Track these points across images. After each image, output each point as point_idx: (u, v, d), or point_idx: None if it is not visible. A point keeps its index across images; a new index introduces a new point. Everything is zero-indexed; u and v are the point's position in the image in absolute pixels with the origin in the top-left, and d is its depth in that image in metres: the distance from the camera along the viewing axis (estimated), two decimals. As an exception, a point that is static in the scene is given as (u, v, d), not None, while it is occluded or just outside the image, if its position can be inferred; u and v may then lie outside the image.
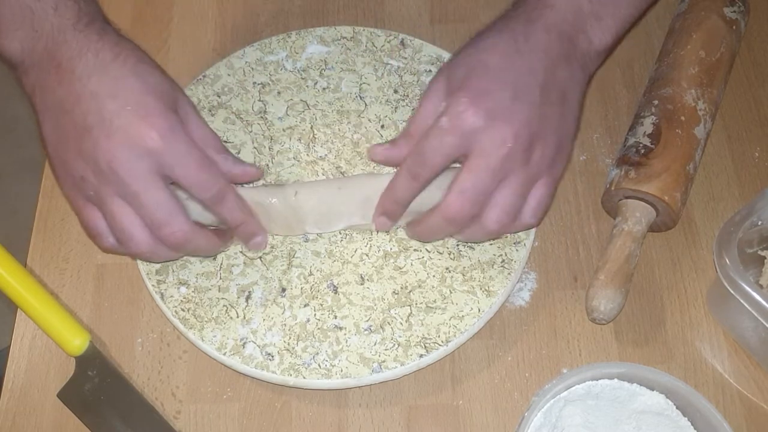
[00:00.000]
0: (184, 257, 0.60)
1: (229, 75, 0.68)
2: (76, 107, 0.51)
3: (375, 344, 0.57)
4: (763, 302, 0.53)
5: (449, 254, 0.60)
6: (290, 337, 0.58)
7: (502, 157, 0.52)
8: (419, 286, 0.59)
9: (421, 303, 0.58)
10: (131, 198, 0.51)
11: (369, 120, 0.66)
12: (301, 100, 0.67)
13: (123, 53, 0.52)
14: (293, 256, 0.60)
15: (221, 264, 0.60)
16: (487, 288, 0.59)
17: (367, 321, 0.58)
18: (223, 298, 0.59)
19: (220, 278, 0.60)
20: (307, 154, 0.64)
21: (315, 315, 0.58)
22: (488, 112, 0.52)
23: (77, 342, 0.58)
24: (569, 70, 0.55)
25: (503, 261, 0.60)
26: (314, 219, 0.59)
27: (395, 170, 0.58)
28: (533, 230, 0.61)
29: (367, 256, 0.60)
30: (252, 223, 0.58)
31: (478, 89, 0.52)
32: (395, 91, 0.67)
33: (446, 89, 0.54)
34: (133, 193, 0.51)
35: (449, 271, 0.60)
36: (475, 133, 0.52)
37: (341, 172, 0.63)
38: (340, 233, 0.61)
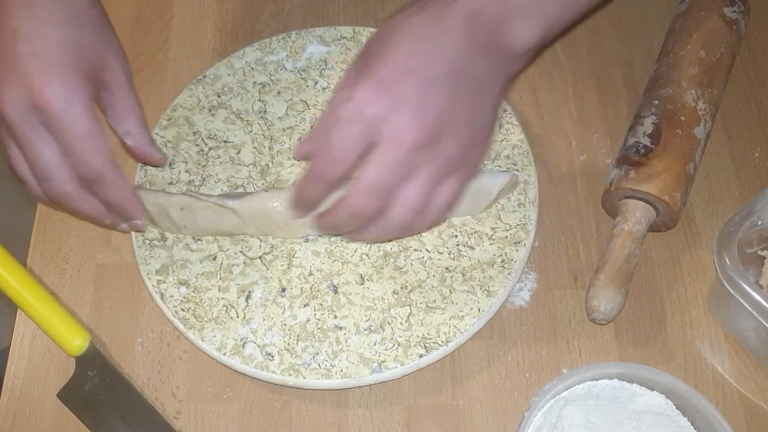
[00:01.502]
0: (184, 258, 0.60)
1: (229, 75, 0.68)
2: None
3: (375, 344, 0.57)
4: (763, 302, 0.53)
5: (449, 254, 0.60)
6: (290, 337, 0.58)
7: (407, 150, 0.48)
8: (419, 286, 0.59)
9: (421, 303, 0.58)
10: (20, 145, 0.52)
11: (369, 120, 0.66)
12: (301, 100, 0.67)
13: None
14: (293, 256, 0.60)
15: (221, 264, 0.60)
16: (487, 288, 0.59)
17: (367, 321, 0.58)
18: (223, 298, 0.59)
19: (220, 278, 0.60)
20: (307, 154, 0.64)
21: (315, 315, 0.58)
22: (393, 101, 0.48)
23: (77, 342, 0.58)
24: (488, 62, 0.50)
25: (503, 261, 0.60)
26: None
27: None
28: (533, 230, 0.61)
29: (367, 256, 0.60)
30: (129, 208, 0.56)
31: (383, 76, 0.48)
32: (395, 91, 0.67)
33: (355, 75, 0.50)
34: (20, 141, 0.52)
35: (449, 271, 0.60)
36: (379, 123, 0.48)
37: (341, 172, 0.63)
38: (340, 233, 0.61)
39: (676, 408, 0.54)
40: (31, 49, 0.51)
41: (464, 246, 0.60)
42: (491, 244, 0.60)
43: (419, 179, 0.50)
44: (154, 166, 0.62)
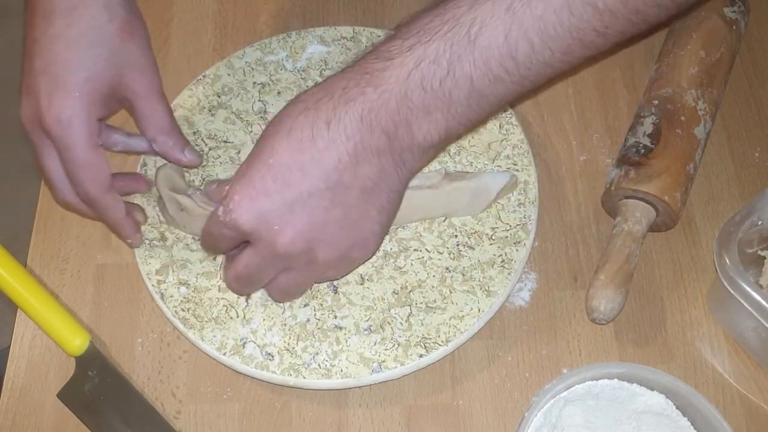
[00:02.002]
0: (184, 258, 0.60)
1: (229, 75, 0.68)
2: (25, 43, 0.54)
3: (375, 344, 0.57)
4: (763, 302, 0.53)
5: (449, 254, 0.60)
6: (290, 337, 0.58)
7: (274, 257, 0.51)
8: (419, 286, 0.59)
9: (421, 303, 0.58)
10: (35, 152, 0.55)
11: (369, 120, 0.66)
12: (301, 100, 0.67)
13: (78, 11, 0.52)
14: (293, 256, 0.60)
15: (221, 264, 0.60)
16: (487, 288, 0.59)
17: (367, 321, 0.58)
18: (223, 298, 0.59)
19: (220, 278, 0.60)
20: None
21: (315, 315, 0.58)
22: (260, 215, 0.49)
23: (77, 342, 0.58)
24: (378, 165, 0.49)
25: (503, 261, 0.60)
26: None
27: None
28: (533, 230, 0.61)
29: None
30: (121, 231, 0.59)
31: (254, 186, 0.49)
32: (395, 91, 0.67)
33: (241, 171, 0.50)
34: (34, 150, 0.55)
35: (449, 271, 0.60)
36: (247, 234, 0.50)
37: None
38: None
39: (676, 408, 0.54)
40: (43, 65, 0.52)
41: (464, 246, 0.60)
42: (491, 244, 0.60)
43: (291, 275, 0.53)
44: (188, 167, 0.62)
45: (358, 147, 0.48)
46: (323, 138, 0.48)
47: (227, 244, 0.53)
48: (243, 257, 0.52)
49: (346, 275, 0.58)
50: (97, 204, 0.56)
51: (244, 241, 0.52)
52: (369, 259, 0.56)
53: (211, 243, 0.54)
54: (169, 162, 0.61)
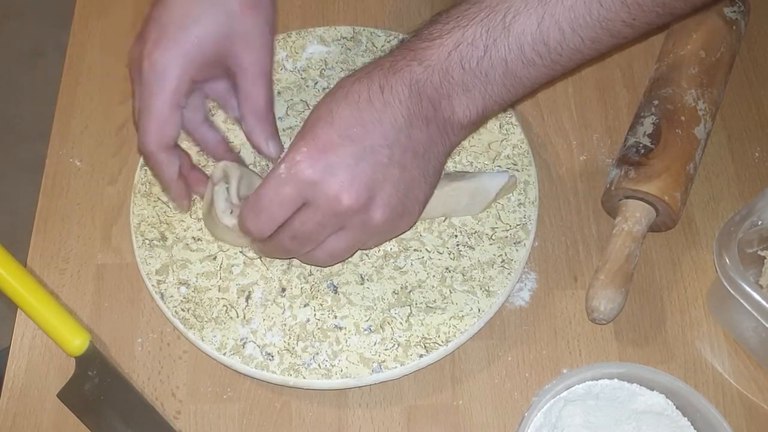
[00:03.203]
0: (184, 258, 0.60)
1: (229, 75, 0.68)
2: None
3: (375, 344, 0.57)
4: (763, 302, 0.53)
5: (449, 254, 0.60)
6: (290, 337, 0.58)
7: (334, 214, 0.51)
8: (419, 286, 0.59)
9: (421, 303, 0.58)
10: (132, 93, 0.57)
11: (369, 120, 0.66)
12: (301, 100, 0.67)
13: None
14: (293, 256, 0.60)
15: (221, 264, 0.60)
16: (487, 288, 0.59)
17: (367, 321, 0.58)
18: (223, 298, 0.59)
19: (220, 278, 0.60)
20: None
21: (315, 315, 0.58)
22: (327, 167, 0.50)
23: (77, 342, 0.58)
24: (427, 132, 0.52)
25: (503, 261, 0.60)
26: None
27: None
28: (533, 230, 0.61)
29: (367, 256, 0.60)
30: (171, 189, 0.59)
31: (320, 140, 0.50)
32: (395, 91, 0.67)
33: (299, 136, 0.52)
34: (132, 89, 0.56)
35: (449, 271, 0.60)
36: (312, 186, 0.50)
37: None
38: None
39: (676, 408, 0.54)
40: (160, 14, 0.55)
41: (464, 246, 0.60)
42: (491, 244, 0.60)
43: (341, 237, 0.53)
44: (268, 159, 0.62)
45: (411, 111, 0.51)
46: (380, 100, 0.51)
47: (284, 208, 0.52)
48: (300, 216, 0.52)
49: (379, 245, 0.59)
50: (152, 159, 0.56)
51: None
52: (406, 231, 0.57)
53: (261, 211, 0.52)
54: (252, 146, 0.60)
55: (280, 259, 0.60)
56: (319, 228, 0.52)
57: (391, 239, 0.58)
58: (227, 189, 0.58)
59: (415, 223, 0.57)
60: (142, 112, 0.55)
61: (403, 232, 0.58)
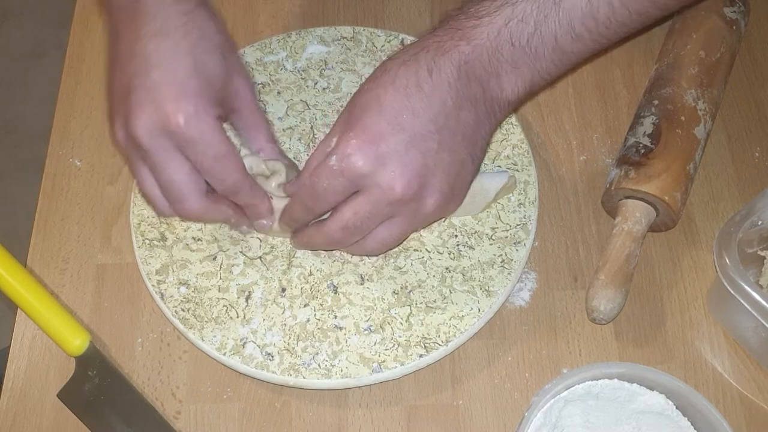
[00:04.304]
0: (184, 258, 0.60)
1: (229, 75, 0.68)
2: (129, 65, 0.52)
3: (375, 344, 0.57)
4: (763, 302, 0.53)
5: (449, 254, 0.60)
6: (290, 337, 0.58)
7: (387, 203, 0.51)
8: (419, 286, 0.59)
9: (421, 303, 0.58)
10: (152, 168, 0.53)
11: (369, 120, 0.66)
12: (301, 100, 0.67)
13: (189, 24, 0.52)
14: (293, 256, 0.60)
15: (221, 264, 0.60)
16: (487, 288, 0.59)
17: (367, 321, 0.58)
18: (223, 298, 0.59)
19: (220, 278, 0.60)
20: (308, 154, 0.64)
21: (315, 315, 0.58)
22: (378, 158, 0.50)
23: (77, 342, 0.58)
24: (474, 114, 0.52)
25: (503, 261, 0.60)
26: None
27: None
28: (533, 230, 0.61)
29: (367, 256, 0.60)
30: (261, 207, 0.57)
31: (370, 130, 0.50)
32: (395, 91, 0.67)
33: (344, 123, 0.52)
34: (152, 165, 0.52)
35: (449, 271, 0.60)
36: (364, 178, 0.50)
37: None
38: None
39: (676, 408, 0.54)
40: (163, 77, 0.51)
41: (464, 246, 0.60)
42: (491, 244, 0.60)
43: (394, 225, 0.53)
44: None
45: (460, 93, 0.51)
46: (428, 83, 0.50)
47: (334, 198, 0.52)
48: (351, 206, 0.52)
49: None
50: (244, 189, 0.55)
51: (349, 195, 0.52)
52: (450, 214, 0.58)
53: (312, 201, 0.53)
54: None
55: (323, 250, 0.60)
56: (371, 218, 0.52)
57: (431, 223, 0.59)
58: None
59: (455, 209, 0.57)
60: (208, 162, 0.52)
61: (446, 217, 0.58)
